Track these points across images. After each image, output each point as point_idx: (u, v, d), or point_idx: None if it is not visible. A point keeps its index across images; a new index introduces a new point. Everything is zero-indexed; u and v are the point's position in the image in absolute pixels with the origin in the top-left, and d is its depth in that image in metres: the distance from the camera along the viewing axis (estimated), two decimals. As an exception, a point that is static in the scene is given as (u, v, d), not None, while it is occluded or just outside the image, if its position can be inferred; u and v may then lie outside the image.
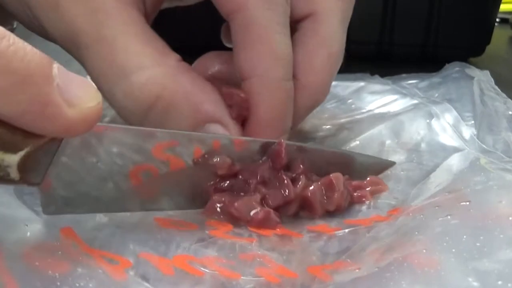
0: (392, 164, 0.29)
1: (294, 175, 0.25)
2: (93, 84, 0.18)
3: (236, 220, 0.23)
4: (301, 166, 0.25)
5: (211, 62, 0.29)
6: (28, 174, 0.18)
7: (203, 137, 0.24)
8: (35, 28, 0.26)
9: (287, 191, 0.24)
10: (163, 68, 0.24)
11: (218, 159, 0.24)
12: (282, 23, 0.25)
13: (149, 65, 0.24)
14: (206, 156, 0.24)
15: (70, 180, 0.21)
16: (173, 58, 0.25)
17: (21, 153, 0.17)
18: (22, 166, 0.17)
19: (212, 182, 0.24)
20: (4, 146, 0.17)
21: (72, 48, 0.25)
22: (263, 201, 0.24)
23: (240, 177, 0.24)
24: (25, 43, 0.16)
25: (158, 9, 0.28)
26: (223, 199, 0.23)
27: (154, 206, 0.24)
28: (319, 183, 0.24)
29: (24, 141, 0.17)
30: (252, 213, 0.23)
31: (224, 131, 0.25)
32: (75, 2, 0.24)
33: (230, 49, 0.27)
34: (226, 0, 0.25)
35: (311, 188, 0.24)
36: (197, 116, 0.24)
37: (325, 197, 0.24)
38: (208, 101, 0.25)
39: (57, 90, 0.17)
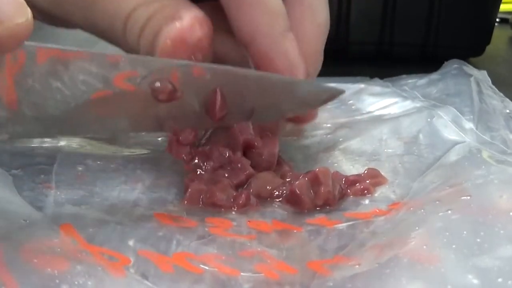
0: (340, 92, 0.29)
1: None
2: (23, 1, 0.18)
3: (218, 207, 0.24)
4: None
5: None
6: None
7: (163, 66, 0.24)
8: None
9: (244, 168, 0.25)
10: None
11: (159, 83, 0.24)
12: None
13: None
14: (146, 79, 0.24)
15: (36, 102, 0.22)
16: None
17: None
18: None
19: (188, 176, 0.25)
20: None
21: (72, 10, 0.26)
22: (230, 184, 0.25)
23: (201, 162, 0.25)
24: None
25: None
26: (201, 187, 0.24)
27: (109, 126, 0.25)
28: (306, 178, 0.25)
29: None
30: (232, 198, 0.24)
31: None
32: None
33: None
34: None
35: (297, 182, 0.24)
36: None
37: (311, 192, 0.24)
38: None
39: None
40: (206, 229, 0.22)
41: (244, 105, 0.27)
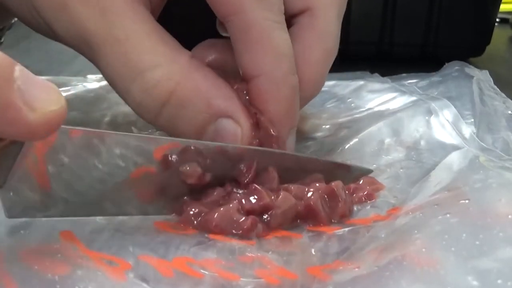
0: (369, 171, 0.29)
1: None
2: (55, 86, 0.18)
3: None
4: (275, 175, 0.25)
5: (208, 51, 0.28)
6: None
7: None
8: (40, 28, 0.26)
9: (262, 197, 0.23)
10: (177, 65, 0.24)
11: (188, 167, 0.23)
12: (279, 20, 0.25)
13: (163, 63, 0.24)
14: (175, 161, 0.23)
15: (69, 180, 0.21)
16: (186, 54, 0.25)
17: None
18: None
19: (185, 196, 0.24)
20: None
21: (83, 48, 0.25)
22: (240, 209, 0.23)
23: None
24: None
25: (163, 5, 0.28)
26: (197, 210, 0.23)
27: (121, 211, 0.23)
28: (320, 191, 0.24)
29: None
30: (239, 221, 0.22)
31: (235, 126, 0.25)
32: (83, 3, 0.24)
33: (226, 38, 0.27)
34: (222, 4, 0.25)
35: (313, 196, 0.23)
36: (209, 111, 0.25)
37: (328, 206, 0.24)
38: (220, 96, 0.25)
39: (17, 93, 0.16)
40: (206, 234, 0.22)
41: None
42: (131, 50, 0.24)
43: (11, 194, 0.20)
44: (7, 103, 0.16)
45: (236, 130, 0.25)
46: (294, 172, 0.26)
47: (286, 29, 0.26)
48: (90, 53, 0.25)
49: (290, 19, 0.28)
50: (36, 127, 0.17)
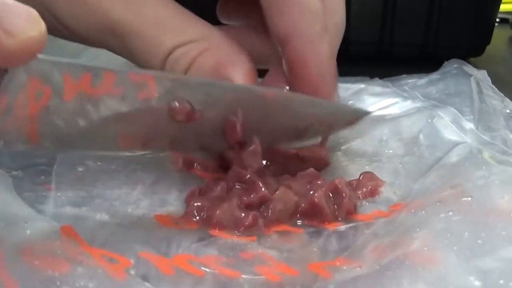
0: (366, 113, 0.29)
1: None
2: (36, 12, 0.18)
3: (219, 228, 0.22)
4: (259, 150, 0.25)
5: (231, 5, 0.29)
6: None
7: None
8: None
9: (258, 189, 0.23)
10: (208, 41, 0.25)
11: (177, 103, 0.23)
12: None
13: (195, 39, 0.25)
14: (165, 96, 0.23)
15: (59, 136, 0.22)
16: (219, 31, 0.25)
17: None
18: None
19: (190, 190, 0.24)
20: None
21: (109, 40, 0.25)
22: (240, 205, 0.23)
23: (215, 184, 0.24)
24: None
25: None
26: (200, 204, 0.23)
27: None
28: (324, 188, 0.24)
29: None
30: (240, 218, 0.22)
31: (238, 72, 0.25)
32: None
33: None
34: None
35: (317, 193, 0.23)
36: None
37: (333, 203, 0.24)
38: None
39: None
40: (207, 230, 0.22)
41: (266, 125, 0.26)
42: (162, 32, 0.24)
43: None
44: None
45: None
46: (288, 116, 0.26)
47: None
48: (118, 43, 0.25)
49: None
50: (14, 52, 0.17)
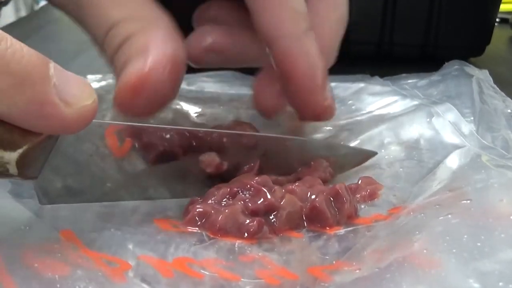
0: (374, 154, 0.29)
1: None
2: (89, 82, 0.19)
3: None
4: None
5: (206, 35, 0.29)
6: (26, 170, 0.19)
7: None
8: None
9: (265, 196, 0.23)
10: (138, 21, 0.25)
11: (207, 156, 0.25)
12: None
13: (128, 17, 0.25)
14: (195, 150, 0.24)
15: (69, 170, 0.23)
16: (155, 11, 0.25)
17: (20, 151, 0.18)
18: (21, 162, 0.18)
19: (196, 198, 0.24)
20: (3, 144, 0.17)
21: (74, 8, 0.26)
22: (245, 211, 0.23)
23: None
24: (22, 45, 0.17)
25: None
26: (202, 210, 0.23)
27: (147, 195, 0.25)
28: (325, 193, 0.24)
29: (22, 139, 0.18)
30: (244, 223, 0.22)
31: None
32: None
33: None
34: None
35: (318, 198, 0.23)
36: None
37: (334, 208, 0.24)
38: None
39: (54, 89, 0.17)
40: (206, 232, 0.22)
41: (284, 168, 0.27)
42: (111, 4, 0.25)
43: (44, 183, 0.22)
44: (44, 100, 0.17)
45: None
46: (301, 155, 0.27)
47: None
48: (78, 13, 0.26)
49: None
50: (72, 121, 0.18)
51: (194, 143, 0.25)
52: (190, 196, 0.24)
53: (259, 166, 0.26)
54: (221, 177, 0.25)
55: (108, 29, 0.25)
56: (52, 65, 0.17)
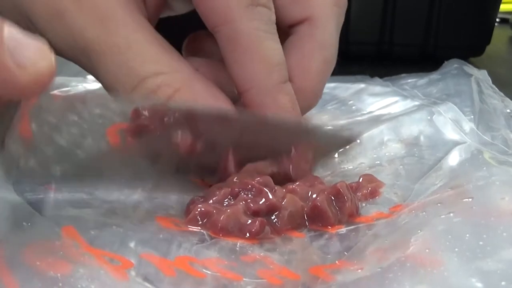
0: (355, 139, 0.29)
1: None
2: (46, 44, 0.18)
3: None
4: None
5: (200, 41, 0.29)
6: None
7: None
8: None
9: (266, 197, 0.23)
10: (179, 74, 0.24)
11: (180, 133, 0.24)
12: (269, 30, 0.25)
13: (166, 71, 0.24)
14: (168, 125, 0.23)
15: (52, 136, 0.22)
16: (189, 65, 0.25)
17: None
18: None
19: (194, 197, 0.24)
20: None
21: (81, 58, 0.24)
22: (247, 211, 0.23)
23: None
24: None
25: (158, 16, 0.28)
26: (204, 210, 0.23)
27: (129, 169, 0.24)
28: (326, 192, 0.24)
29: None
30: (246, 224, 0.22)
31: None
32: (81, 12, 0.23)
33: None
34: (211, 14, 0.24)
35: (319, 197, 0.23)
36: None
37: (337, 208, 0.24)
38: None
39: (7, 53, 0.16)
40: (208, 231, 0.22)
41: (260, 149, 0.26)
42: (133, 58, 0.23)
43: (8, 155, 0.21)
44: None
45: None
46: (278, 138, 0.26)
47: (277, 39, 0.25)
48: (88, 62, 0.24)
49: (289, 28, 0.28)
50: (28, 85, 0.17)
51: (168, 119, 0.24)
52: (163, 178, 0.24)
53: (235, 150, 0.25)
54: (196, 161, 0.25)
55: (136, 83, 0.24)
56: (6, 28, 0.17)
